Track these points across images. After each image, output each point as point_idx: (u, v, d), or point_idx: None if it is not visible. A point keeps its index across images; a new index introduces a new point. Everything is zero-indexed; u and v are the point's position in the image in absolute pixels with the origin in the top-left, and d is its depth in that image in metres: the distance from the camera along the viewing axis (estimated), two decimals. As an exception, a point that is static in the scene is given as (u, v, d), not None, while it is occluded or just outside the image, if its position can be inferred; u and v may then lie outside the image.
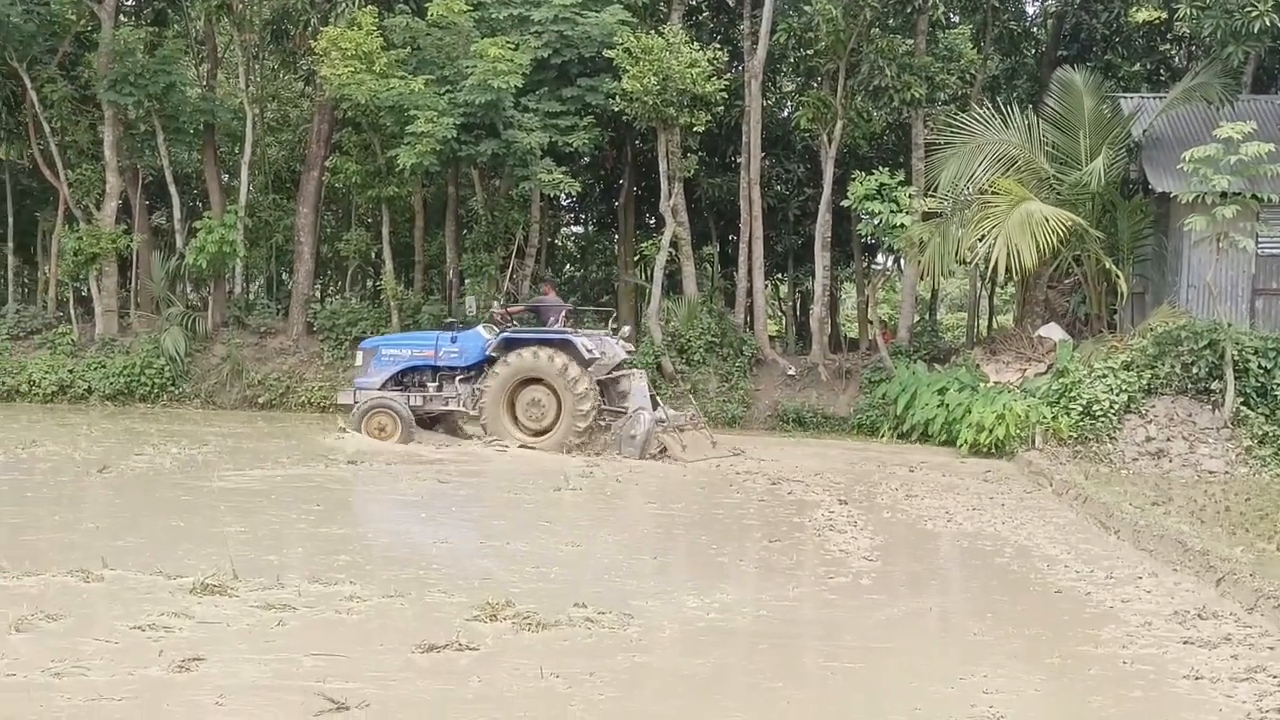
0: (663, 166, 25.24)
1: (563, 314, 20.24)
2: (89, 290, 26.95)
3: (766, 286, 29.29)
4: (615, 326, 21.18)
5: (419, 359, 19.47)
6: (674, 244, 25.84)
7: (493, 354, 18.90)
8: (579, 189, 25.48)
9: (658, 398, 20.11)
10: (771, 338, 28.11)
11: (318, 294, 28.24)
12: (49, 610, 7.60)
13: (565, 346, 18.45)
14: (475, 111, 22.71)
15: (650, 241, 28.29)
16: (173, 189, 27.15)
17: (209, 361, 25.72)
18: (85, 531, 11.23)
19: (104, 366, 25.08)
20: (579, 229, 36.03)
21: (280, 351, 26.02)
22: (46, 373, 25.03)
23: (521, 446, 18.11)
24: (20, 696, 6.10)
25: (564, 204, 33.21)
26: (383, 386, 19.30)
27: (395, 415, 18.77)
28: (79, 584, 8.49)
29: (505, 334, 18.98)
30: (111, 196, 26.30)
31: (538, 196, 26.06)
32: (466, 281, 26.23)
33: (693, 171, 25.84)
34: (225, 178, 28.92)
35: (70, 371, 25.11)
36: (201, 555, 9.62)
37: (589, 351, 18.42)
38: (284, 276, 29.60)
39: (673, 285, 27.57)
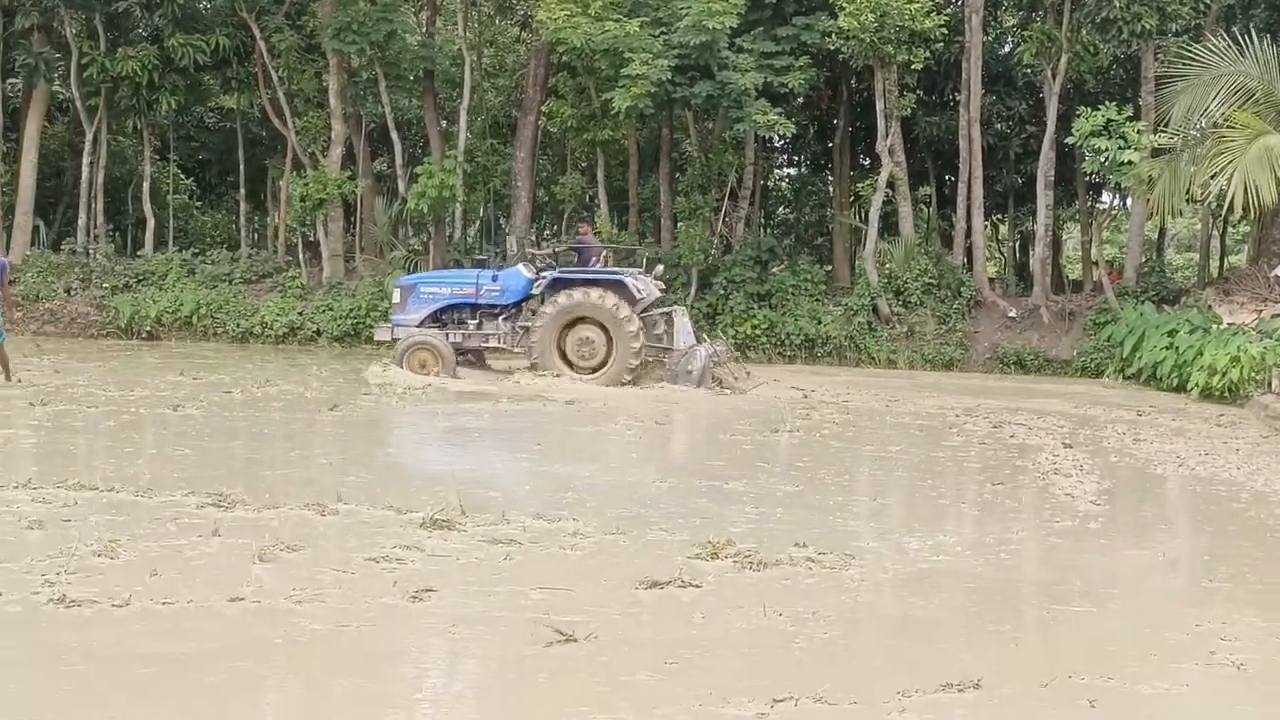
0: (879, 105, 24.80)
1: (604, 255, 20.57)
2: (316, 235, 27.83)
3: (985, 227, 28.62)
4: (648, 266, 21.11)
5: (459, 297, 19.70)
6: (890, 184, 25.45)
7: (540, 293, 19.03)
8: (794, 130, 25.22)
9: (701, 335, 20.21)
10: (990, 279, 27.47)
11: (533, 237, 28.60)
12: (288, 541, 7.89)
13: (616, 286, 18.67)
14: (690, 53, 22.61)
15: (866, 182, 27.92)
16: (394, 135, 27.78)
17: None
18: (319, 467, 11.64)
19: (331, 309, 25.91)
20: (792, 170, 35.74)
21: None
22: (278, 315, 25.99)
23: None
24: (266, 621, 6.36)
25: (777, 145, 32.98)
26: (421, 324, 19.58)
27: (437, 352, 18.98)
28: (315, 517, 8.79)
29: (555, 274, 19.13)
30: (336, 143, 27.08)
31: (752, 138, 25.90)
32: (679, 224, 26.28)
33: (910, 110, 25.33)
34: (444, 124, 29.48)
35: (300, 314, 26.03)
36: (429, 491, 9.88)
37: (639, 292, 18.70)
38: (501, 221, 30.07)
39: (888, 226, 27.21)
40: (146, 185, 29.25)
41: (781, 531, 8.84)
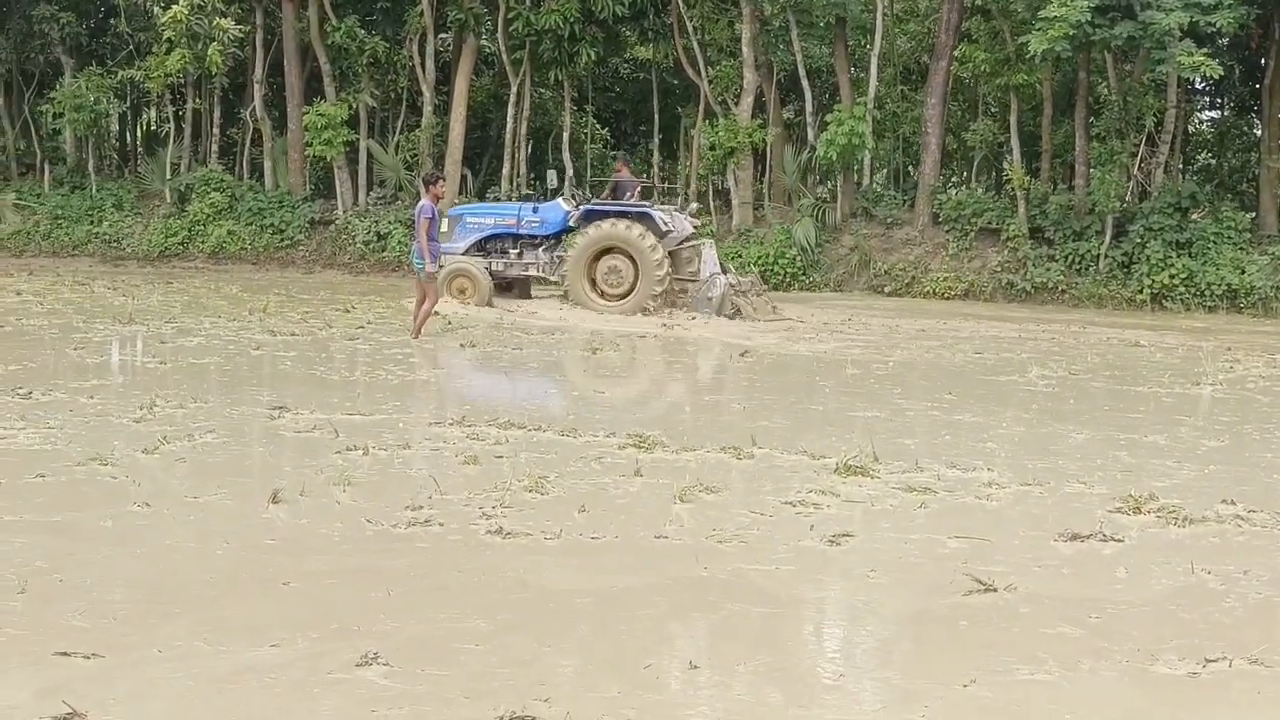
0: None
1: (637, 189, 21.45)
2: (726, 183, 28.20)
3: None
4: (683, 203, 22.45)
5: (502, 227, 20.97)
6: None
7: (574, 224, 20.01)
8: (1220, 72, 23.64)
9: (728, 265, 21.29)
10: None
11: (943, 185, 28.04)
12: (706, 483, 8.03)
13: (643, 218, 19.63)
14: (1111, -8, 21.56)
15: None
16: (805, 83, 27.75)
17: (837, 251, 26.34)
18: (732, 412, 11.82)
19: (740, 256, 26.23)
20: (1214, 114, 33.57)
21: (906, 242, 26.19)
22: (687, 262, 26.51)
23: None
24: (689, 559, 6.50)
25: (1199, 88, 31.02)
26: (466, 252, 20.72)
27: (474, 279, 20.12)
28: (731, 460, 8.93)
29: (587, 206, 20.19)
30: (748, 92, 27.30)
31: (1174, 81, 24.45)
32: (1094, 170, 25.18)
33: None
34: (854, 71, 29.22)
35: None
36: (840, 437, 9.88)
37: (664, 224, 19.63)
38: (910, 168, 29.65)
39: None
40: (566, 135, 30.36)
41: (1207, 487, 8.38)
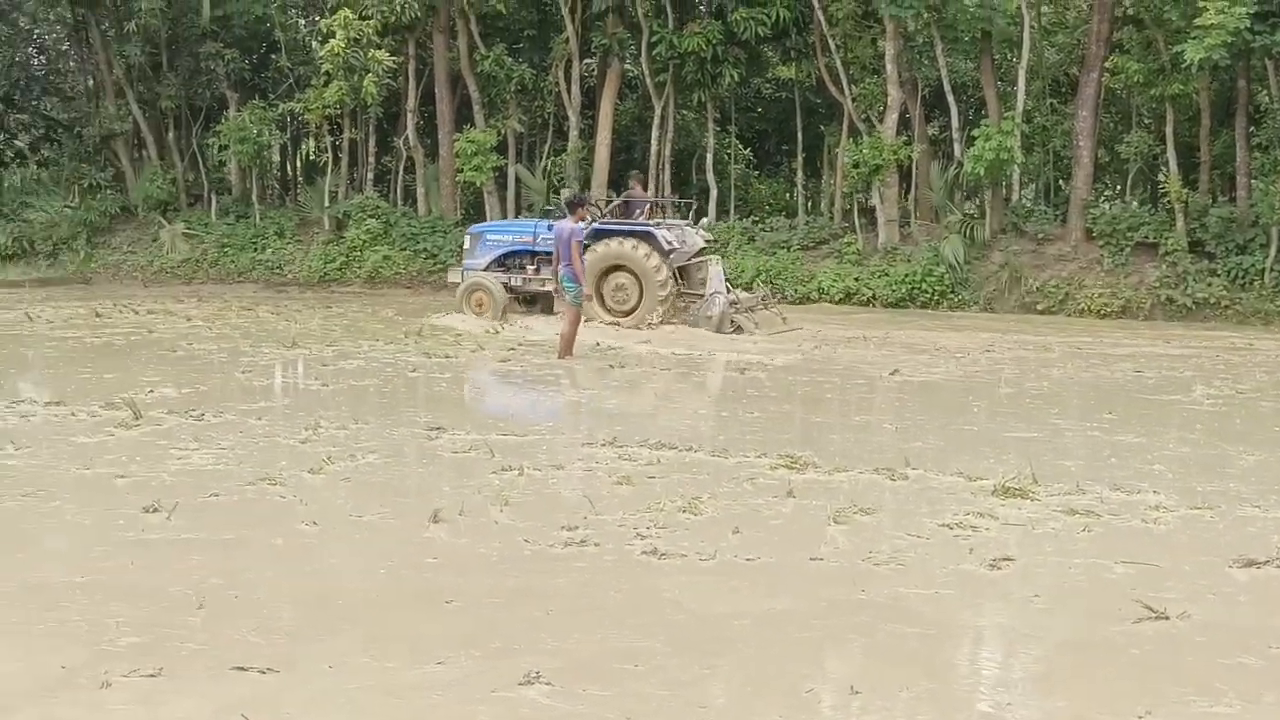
0: None
1: (647, 207, 22.01)
2: (871, 201, 28.03)
3: None
4: (695, 218, 22.89)
5: (519, 244, 21.62)
6: None
7: (585, 242, 19.27)
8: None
9: (729, 283, 21.37)
10: None
11: (1096, 199, 27.50)
12: (860, 505, 8.01)
13: (647, 238, 20.03)
14: (1273, -3, 20.99)
15: None
16: (950, 98, 27.47)
17: (987, 268, 25.97)
18: (883, 432, 11.76)
19: (886, 274, 26.06)
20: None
21: (1058, 258, 25.71)
22: (834, 280, 26.41)
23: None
24: (846, 582, 6.50)
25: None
26: (487, 268, 21.55)
27: (490, 293, 20.99)
28: (884, 481, 8.88)
29: (595, 225, 20.26)
30: (892, 109, 27.09)
31: (1343, 86, 23.73)
32: (1255, 180, 24.51)
33: None
34: (1001, 84, 28.84)
35: (855, 279, 26.33)
36: (996, 458, 9.77)
37: (668, 243, 19.95)
38: (1060, 183, 29.13)
39: None
40: (709, 156, 30.48)
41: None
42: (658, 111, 29.92)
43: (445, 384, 14.36)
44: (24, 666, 5.15)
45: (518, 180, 30.77)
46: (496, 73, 29.89)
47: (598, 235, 20.44)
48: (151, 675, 5.00)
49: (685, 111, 32.14)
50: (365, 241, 30.67)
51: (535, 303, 21.92)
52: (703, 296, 20.25)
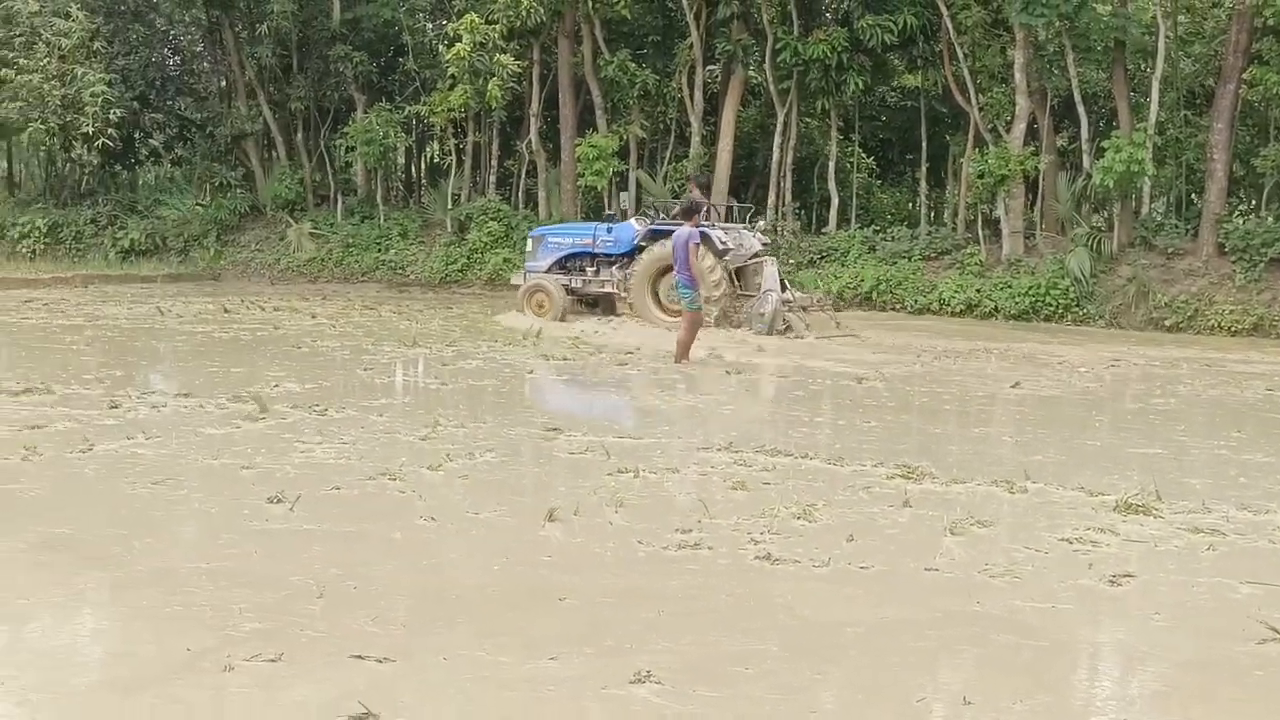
0: None
1: (705, 210, 21.08)
2: (996, 212, 27.69)
3: None
4: (753, 221, 23.61)
5: (579, 246, 22.38)
6: None
7: (641, 243, 21.18)
8: None
9: (787, 282, 21.78)
10: None
11: (1230, 213, 26.87)
12: (978, 517, 7.92)
13: (702, 238, 19.28)
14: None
15: None
16: (1080, 109, 27.04)
17: (1113, 282, 25.50)
18: (1003, 445, 11.61)
19: (1009, 286, 25.73)
20: None
21: (1188, 273, 25.17)
22: (955, 292, 26.15)
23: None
24: (961, 593, 6.43)
25: None
26: (548, 270, 22.36)
27: (550, 294, 21.72)
28: (1003, 494, 8.77)
29: (651, 226, 21.29)
30: (1020, 119, 26.75)
31: None
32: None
33: None
34: (1133, 95, 28.33)
35: (977, 291, 26.03)
36: (1119, 474, 9.60)
37: (722, 243, 20.27)
38: (1193, 196, 28.51)
39: None
40: (831, 165, 30.34)
41: None
42: (780, 119, 29.88)
43: (563, 386, 14.49)
44: (151, 648, 5.29)
45: (639, 185, 30.90)
46: (620, 78, 30.05)
47: (654, 236, 21.04)
48: (272, 660, 5.10)
49: (808, 119, 32.06)
50: (487, 244, 31.03)
51: (597, 304, 22.54)
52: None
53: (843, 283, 27.21)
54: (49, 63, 31.64)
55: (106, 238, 34.20)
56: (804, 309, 21.07)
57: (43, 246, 33.99)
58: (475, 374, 14.75)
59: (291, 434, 10.15)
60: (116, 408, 11.13)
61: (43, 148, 34.66)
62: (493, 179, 33.64)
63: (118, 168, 37.28)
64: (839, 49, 27.72)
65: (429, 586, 6.35)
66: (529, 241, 23.70)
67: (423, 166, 38.97)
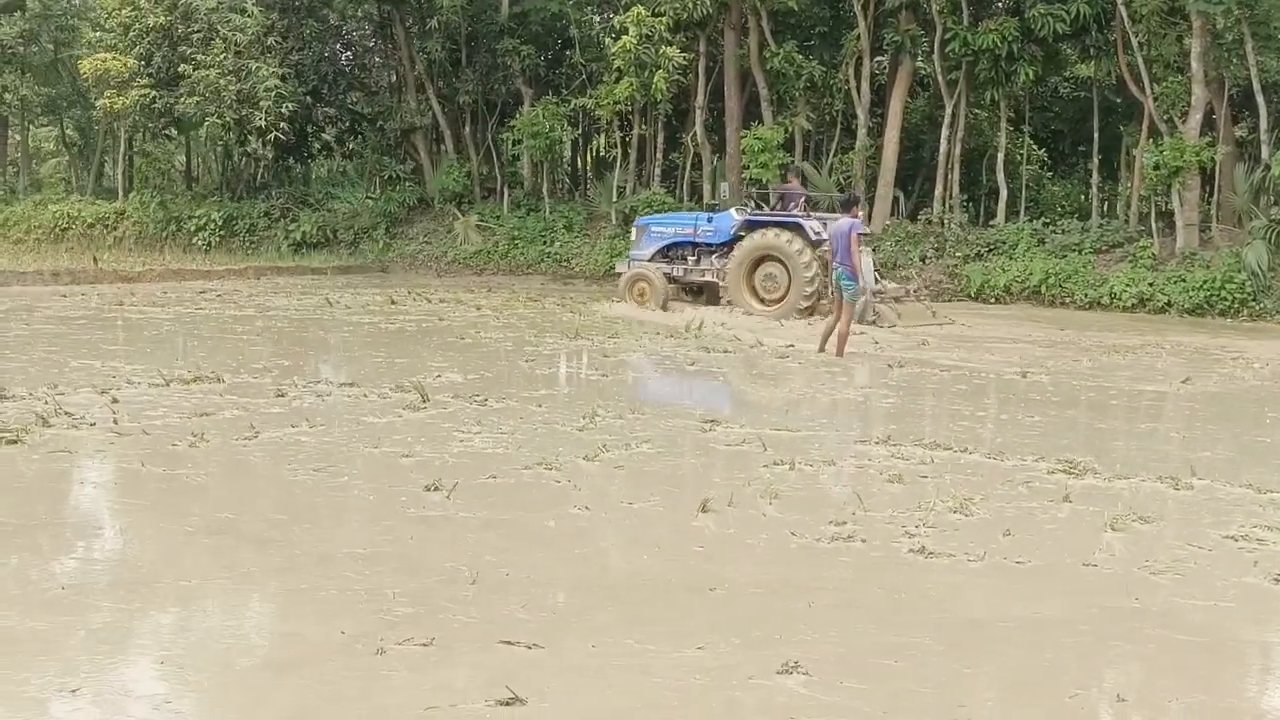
0: None
1: (802, 200, 22.24)
2: (1170, 204, 26.92)
3: None
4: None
5: (681, 236, 22.86)
6: None
7: (739, 233, 21.65)
8: None
9: (879, 274, 22.79)
10: None
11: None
12: (1141, 513, 7.74)
13: (796, 229, 20.96)
14: None
15: None
16: (1260, 98, 26.12)
17: (1294, 276, 24.65)
18: (1170, 441, 11.32)
19: (1183, 280, 25.02)
20: None
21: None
22: (1126, 286, 25.51)
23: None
24: (1118, 589, 6.30)
25: None
26: (651, 258, 22.80)
27: (651, 283, 22.22)
28: (1168, 490, 8.55)
29: (747, 217, 21.87)
30: (1196, 109, 25.98)
31: None
32: None
33: None
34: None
35: (1150, 285, 25.36)
36: (1291, 472, 9.31)
37: (816, 234, 20.57)
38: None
39: None
40: (1000, 156, 29.81)
41: None
42: (949, 110, 29.48)
43: (722, 378, 14.50)
44: (307, 629, 5.44)
45: (803, 177, 30.73)
46: (786, 69, 29.95)
47: (751, 226, 21.65)
48: (424, 645, 5.21)
49: (977, 110, 31.54)
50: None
51: (701, 293, 22.95)
52: None
53: (1010, 276, 26.73)
54: (225, 58, 32.72)
55: (279, 230, 35.24)
56: (896, 300, 21.54)
57: (218, 239, 35.19)
58: (636, 366, 14.86)
59: (451, 423, 10.34)
60: (282, 396, 11.47)
61: (219, 142, 35.82)
62: (658, 172, 33.77)
63: (290, 161, 38.32)
64: (1010, 39, 27.24)
65: (580, 575, 6.43)
66: (634, 230, 24.20)
67: (588, 159, 39.30)
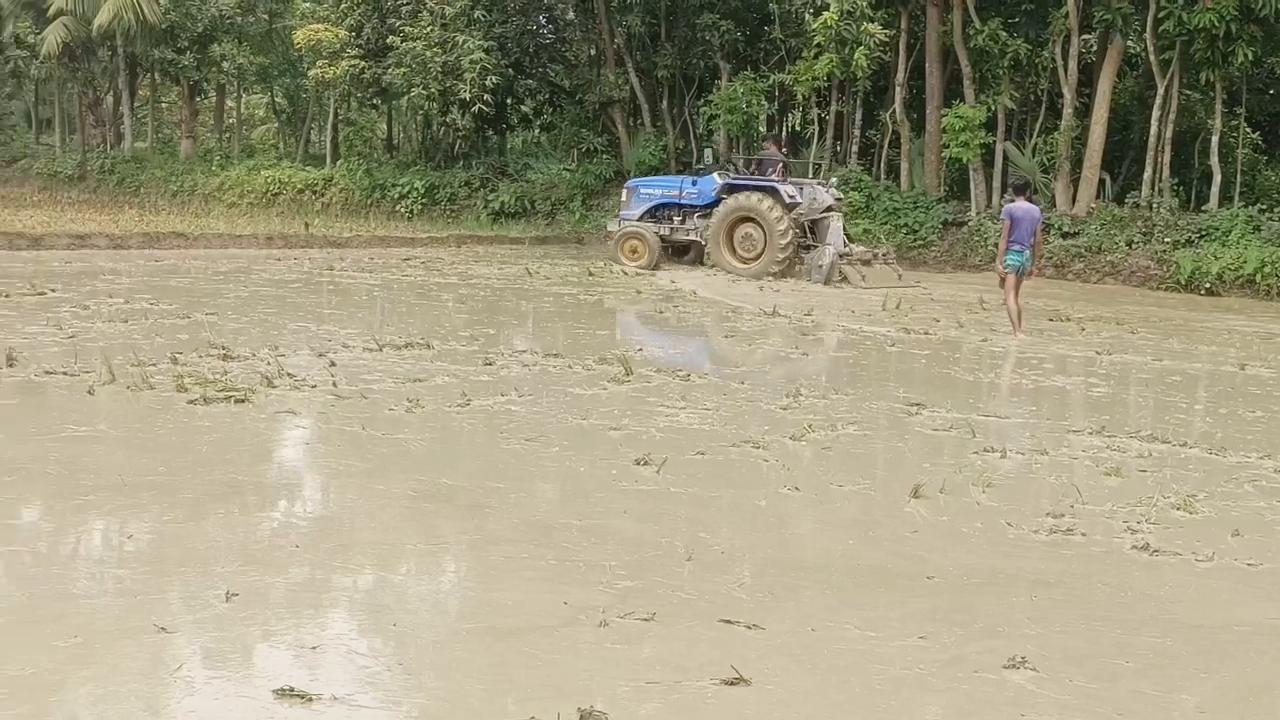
0: None
1: (779, 166, 24.11)
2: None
3: None
4: (826, 177, 26.69)
5: (668, 197, 24.70)
6: None
7: (720, 195, 23.37)
8: None
9: (848, 237, 24.14)
10: None
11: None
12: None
13: (772, 192, 22.76)
14: None
15: None
16: None
17: None
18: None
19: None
20: None
21: None
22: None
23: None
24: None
25: None
26: (640, 218, 24.54)
27: (645, 241, 23.83)
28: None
29: (727, 180, 23.59)
30: None
31: None
32: None
33: None
34: None
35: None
36: None
37: (790, 197, 22.61)
38: None
39: None
40: (1215, 139, 28.67)
41: None
42: (1160, 91, 28.44)
43: (924, 360, 14.24)
44: (528, 598, 5.47)
45: (1005, 158, 30.07)
46: (990, 47, 29.28)
47: (730, 189, 23.39)
48: (645, 620, 5.21)
49: (1190, 92, 30.38)
50: (846, 214, 30.81)
51: (687, 251, 24.58)
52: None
53: (1223, 264, 25.71)
54: (432, 31, 33.31)
55: (479, 200, 35.80)
56: (864, 262, 22.87)
57: (420, 207, 35.88)
58: (835, 345, 14.74)
59: (655, 397, 10.37)
60: (490, 364, 11.63)
61: (421, 112, 36.44)
62: (854, 149, 33.37)
63: (489, 132, 38.84)
64: (1228, 18, 26.12)
65: (794, 556, 6.38)
66: (624, 192, 25.61)
67: (784, 135, 39.05)
